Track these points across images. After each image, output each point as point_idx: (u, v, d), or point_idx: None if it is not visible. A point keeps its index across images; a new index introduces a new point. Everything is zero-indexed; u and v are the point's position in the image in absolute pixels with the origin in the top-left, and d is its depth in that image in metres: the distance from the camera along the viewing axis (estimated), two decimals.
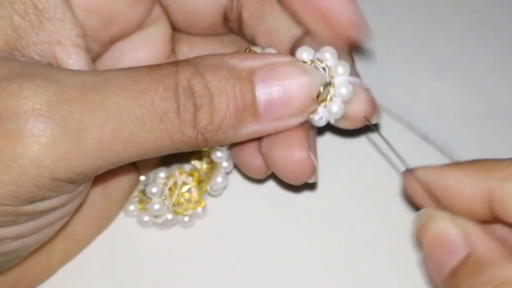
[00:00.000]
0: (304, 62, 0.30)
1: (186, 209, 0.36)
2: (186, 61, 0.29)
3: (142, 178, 0.38)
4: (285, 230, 0.37)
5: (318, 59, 0.30)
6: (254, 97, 0.29)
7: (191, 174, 0.37)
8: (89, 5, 0.30)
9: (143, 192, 0.37)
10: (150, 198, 0.36)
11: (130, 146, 0.27)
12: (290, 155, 0.31)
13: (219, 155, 0.35)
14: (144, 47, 0.34)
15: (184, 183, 0.37)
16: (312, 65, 0.30)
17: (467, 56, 0.44)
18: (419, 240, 0.31)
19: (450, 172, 0.31)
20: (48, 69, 0.28)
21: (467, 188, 0.31)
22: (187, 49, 0.36)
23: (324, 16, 0.31)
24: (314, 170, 0.32)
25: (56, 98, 0.26)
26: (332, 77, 0.30)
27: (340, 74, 0.31)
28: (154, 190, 0.36)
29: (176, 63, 0.29)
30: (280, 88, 0.29)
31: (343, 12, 0.31)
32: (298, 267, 0.36)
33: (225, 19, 0.35)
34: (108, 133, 0.27)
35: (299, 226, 0.37)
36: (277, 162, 0.32)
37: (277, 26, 0.33)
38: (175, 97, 0.28)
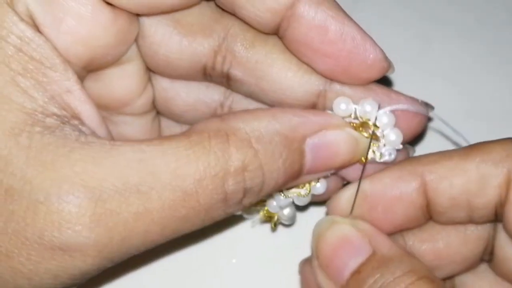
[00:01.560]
0: (349, 119, 0.31)
1: None
2: (236, 134, 0.28)
3: None
4: None
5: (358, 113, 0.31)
6: (302, 166, 0.30)
7: None
8: (76, 39, 0.28)
9: None
10: None
11: (167, 236, 0.28)
12: None
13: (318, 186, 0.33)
14: (120, 82, 0.33)
15: None
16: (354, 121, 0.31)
17: (467, 56, 0.44)
18: (317, 247, 0.30)
19: (380, 178, 0.31)
20: (83, 164, 0.26)
21: (401, 186, 0.31)
22: (167, 84, 0.34)
23: (350, 61, 0.31)
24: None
25: (99, 210, 0.25)
26: (377, 127, 0.31)
27: (386, 123, 0.31)
28: None
29: (227, 139, 0.28)
30: (327, 154, 0.30)
31: (366, 54, 0.31)
32: None
33: (205, 73, 0.33)
34: (153, 234, 0.27)
35: None
36: None
37: (287, 83, 0.32)
38: (223, 187, 0.27)
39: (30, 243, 0.25)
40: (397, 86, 0.42)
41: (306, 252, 0.32)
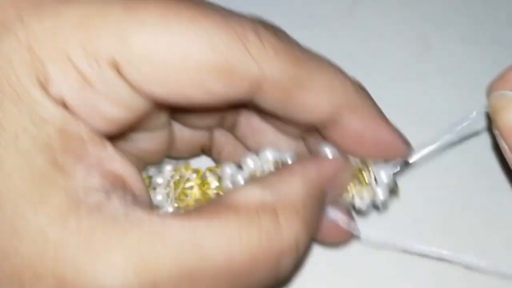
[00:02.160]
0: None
1: (187, 205, 0.36)
2: (283, 207, 0.28)
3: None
4: None
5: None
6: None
7: (196, 171, 0.37)
8: (110, 121, 0.28)
9: (150, 179, 0.37)
10: (155, 188, 0.36)
11: None
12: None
13: None
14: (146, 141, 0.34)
15: (188, 179, 0.37)
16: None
17: (467, 56, 0.44)
18: (498, 120, 0.31)
19: None
20: (137, 250, 0.24)
21: None
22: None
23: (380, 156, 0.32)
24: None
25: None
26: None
27: (385, 183, 0.33)
28: (159, 180, 0.36)
29: (276, 214, 0.27)
30: (335, 193, 0.32)
31: (396, 152, 0.32)
32: None
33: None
34: None
35: None
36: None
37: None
38: (276, 267, 0.27)
39: None
40: (397, 86, 0.42)
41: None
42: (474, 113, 0.34)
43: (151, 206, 0.29)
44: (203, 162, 0.39)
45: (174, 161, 0.37)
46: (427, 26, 0.45)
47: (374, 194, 0.33)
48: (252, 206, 0.27)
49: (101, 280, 0.24)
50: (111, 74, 0.26)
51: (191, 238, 0.25)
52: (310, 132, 0.34)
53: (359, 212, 0.34)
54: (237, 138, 0.36)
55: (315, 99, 0.29)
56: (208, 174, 0.36)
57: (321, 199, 0.30)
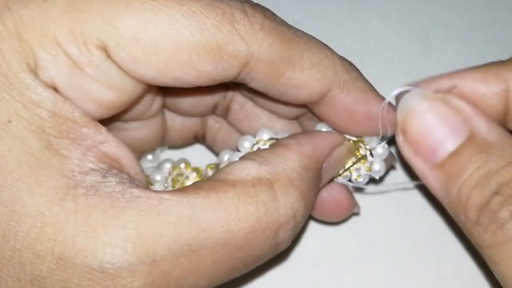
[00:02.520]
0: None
1: None
2: (279, 179, 0.28)
3: (149, 157, 0.38)
4: None
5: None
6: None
7: (196, 170, 0.37)
8: (101, 105, 0.28)
9: (148, 177, 0.37)
10: (152, 184, 0.36)
11: (213, 285, 0.28)
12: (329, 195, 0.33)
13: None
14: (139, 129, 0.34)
15: (187, 178, 0.37)
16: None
17: (467, 56, 0.44)
18: (406, 122, 0.30)
19: (461, 77, 0.30)
20: (135, 225, 0.25)
21: (482, 88, 0.30)
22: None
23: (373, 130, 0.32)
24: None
25: (153, 273, 0.25)
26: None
27: (380, 153, 0.33)
28: (158, 177, 0.36)
29: (271, 186, 0.28)
30: (334, 169, 0.32)
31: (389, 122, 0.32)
32: None
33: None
34: (200, 286, 0.27)
35: None
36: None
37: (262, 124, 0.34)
38: (274, 238, 0.28)
39: None
40: (396, 85, 0.42)
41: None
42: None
43: (148, 187, 0.29)
44: (200, 155, 0.39)
45: (172, 160, 0.38)
46: (427, 26, 0.45)
47: (371, 166, 0.33)
48: (248, 179, 0.27)
49: (101, 257, 0.25)
50: (100, 57, 0.26)
51: (188, 212, 0.26)
52: (303, 111, 0.34)
53: (358, 187, 0.34)
54: (230, 123, 0.37)
55: (305, 77, 0.29)
56: (209, 171, 0.36)
57: (317, 172, 0.30)
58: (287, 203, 0.27)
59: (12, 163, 0.25)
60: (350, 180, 0.34)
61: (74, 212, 0.25)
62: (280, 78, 0.29)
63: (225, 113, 0.36)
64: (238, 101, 0.35)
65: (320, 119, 0.33)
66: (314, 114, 0.33)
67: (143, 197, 0.26)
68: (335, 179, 0.33)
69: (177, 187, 0.36)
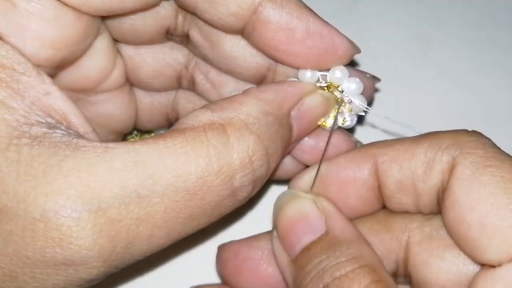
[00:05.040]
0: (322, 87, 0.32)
1: None
2: (232, 124, 0.27)
3: None
4: None
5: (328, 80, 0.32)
6: (291, 138, 0.30)
7: None
8: (43, 43, 0.27)
9: None
10: None
11: (173, 238, 0.27)
12: None
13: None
14: (91, 60, 0.32)
15: None
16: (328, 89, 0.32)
17: (467, 56, 0.44)
18: (277, 218, 0.31)
19: (335, 163, 0.31)
20: (77, 173, 0.24)
21: (352, 170, 0.31)
22: (132, 51, 0.34)
23: (320, 57, 0.31)
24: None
25: (100, 221, 0.24)
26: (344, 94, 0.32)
27: (353, 89, 0.32)
28: None
29: (224, 130, 0.27)
30: (309, 120, 0.31)
31: (335, 47, 0.31)
32: None
33: (168, 32, 0.33)
34: (157, 238, 0.26)
35: None
36: None
37: (239, 52, 0.32)
38: (230, 182, 0.27)
39: (32, 262, 0.24)
40: (397, 85, 0.42)
41: None
42: None
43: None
44: None
45: None
46: (427, 26, 0.45)
47: (351, 106, 0.33)
48: (200, 125, 0.27)
49: (42, 205, 0.24)
50: None
51: (133, 158, 0.25)
52: (263, 69, 0.32)
53: (348, 128, 0.34)
54: (200, 95, 0.36)
55: None
56: None
57: (280, 118, 0.29)
58: (241, 146, 0.27)
59: None
60: (339, 127, 0.33)
61: (16, 161, 0.24)
62: None
63: (191, 85, 0.35)
64: (201, 70, 0.35)
65: (261, 49, 0.31)
66: (253, 46, 0.31)
67: (88, 146, 0.25)
68: (326, 129, 0.33)
69: None
